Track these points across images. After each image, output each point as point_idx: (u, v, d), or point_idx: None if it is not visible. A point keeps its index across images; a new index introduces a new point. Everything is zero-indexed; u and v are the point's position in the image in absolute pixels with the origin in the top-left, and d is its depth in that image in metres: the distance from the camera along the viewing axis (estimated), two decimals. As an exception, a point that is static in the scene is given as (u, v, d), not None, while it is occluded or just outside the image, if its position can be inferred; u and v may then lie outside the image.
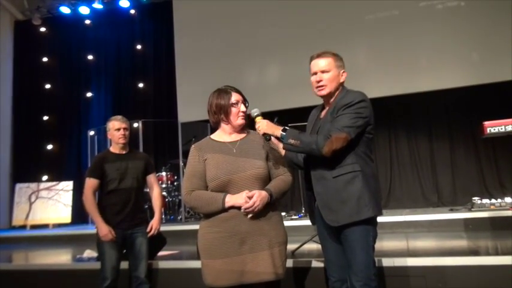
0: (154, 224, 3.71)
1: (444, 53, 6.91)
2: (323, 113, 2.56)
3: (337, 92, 2.50)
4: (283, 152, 2.54)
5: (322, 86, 2.48)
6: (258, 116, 2.51)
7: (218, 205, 2.37)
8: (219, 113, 2.52)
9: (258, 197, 2.34)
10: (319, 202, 2.42)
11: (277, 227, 2.45)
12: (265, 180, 2.46)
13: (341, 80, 2.51)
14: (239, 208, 2.36)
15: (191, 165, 2.51)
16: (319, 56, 2.52)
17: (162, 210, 3.76)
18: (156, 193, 3.82)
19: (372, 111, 2.42)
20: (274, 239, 2.41)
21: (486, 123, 5.10)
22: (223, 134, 2.57)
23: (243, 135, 2.57)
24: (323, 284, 3.32)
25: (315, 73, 2.50)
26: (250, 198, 2.33)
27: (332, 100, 2.50)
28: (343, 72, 2.52)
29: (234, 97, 2.52)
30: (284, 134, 2.37)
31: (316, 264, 3.44)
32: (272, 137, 2.46)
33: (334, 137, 2.27)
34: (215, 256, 2.37)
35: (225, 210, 2.37)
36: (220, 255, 2.36)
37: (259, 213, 2.38)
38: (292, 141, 2.34)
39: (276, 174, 2.52)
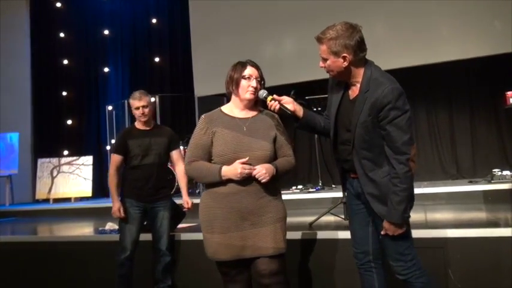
0: (187, 201, 3.77)
1: (465, 22, 6.68)
2: (350, 93, 2.30)
3: (355, 73, 2.21)
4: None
5: (327, 71, 2.29)
6: (267, 96, 2.42)
7: (215, 177, 2.37)
8: (231, 84, 2.49)
9: (263, 166, 2.35)
10: (369, 196, 2.28)
11: (277, 203, 2.47)
12: (270, 163, 2.44)
13: (343, 66, 2.17)
14: (240, 184, 2.36)
15: (197, 135, 2.49)
16: (317, 39, 2.23)
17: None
18: (180, 171, 3.82)
19: None
20: (276, 215, 2.43)
21: (509, 93, 4.99)
22: (234, 108, 2.54)
23: (254, 113, 2.54)
24: (341, 255, 3.36)
25: None
26: (244, 163, 2.33)
27: (355, 81, 2.23)
28: (345, 56, 2.14)
29: (249, 71, 2.47)
30: (399, 214, 2.20)
31: (333, 236, 3.46)
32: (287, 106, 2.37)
33: (413, 157, 2.21)
34: (215, 231, 2.40)
35: (223, 183, 2.37)
36: (220, 230, 2.39)
37: (261, 190, 2.39)
38: (408, 211, 2.26)
39: (281, 155, 2.51)
